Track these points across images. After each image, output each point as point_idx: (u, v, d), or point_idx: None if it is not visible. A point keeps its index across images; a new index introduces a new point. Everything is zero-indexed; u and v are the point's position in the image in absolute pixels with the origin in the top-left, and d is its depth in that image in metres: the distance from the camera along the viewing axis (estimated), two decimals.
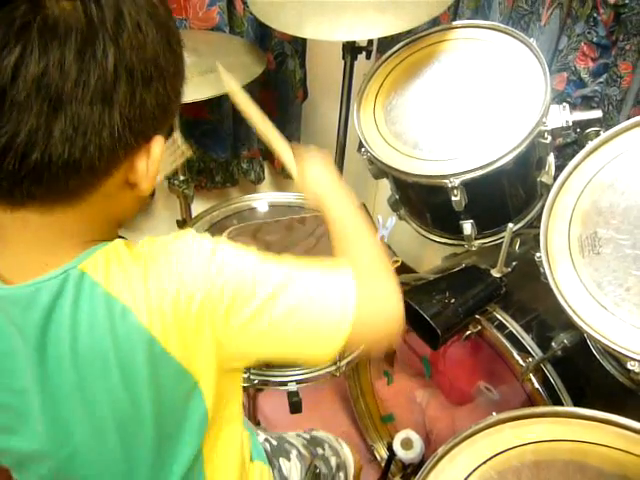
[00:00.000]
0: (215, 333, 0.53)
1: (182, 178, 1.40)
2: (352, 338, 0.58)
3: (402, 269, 2.23)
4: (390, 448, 1.29)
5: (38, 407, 0.53)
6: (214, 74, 1.21)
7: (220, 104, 1.48)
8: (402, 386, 1.47)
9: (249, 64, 1.27)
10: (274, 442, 0.93)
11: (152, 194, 1.60)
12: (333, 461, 1.00)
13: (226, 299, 0.53)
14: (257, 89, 1.56)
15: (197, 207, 1.46)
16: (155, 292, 0.50)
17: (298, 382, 1.11)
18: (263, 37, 1.48)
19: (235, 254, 0.56)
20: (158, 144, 0.51)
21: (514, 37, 1.09)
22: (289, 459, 0.92)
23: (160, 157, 0.51)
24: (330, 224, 0.75)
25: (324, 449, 1.00)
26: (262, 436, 0.93)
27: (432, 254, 1.87)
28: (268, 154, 1.74)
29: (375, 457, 1.54)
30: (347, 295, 0.58)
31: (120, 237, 0.59)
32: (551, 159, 1.16)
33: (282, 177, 1.77)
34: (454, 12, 1.45)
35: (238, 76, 1.24)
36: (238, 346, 0.56)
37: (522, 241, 1.28)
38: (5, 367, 0.53)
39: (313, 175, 0.79)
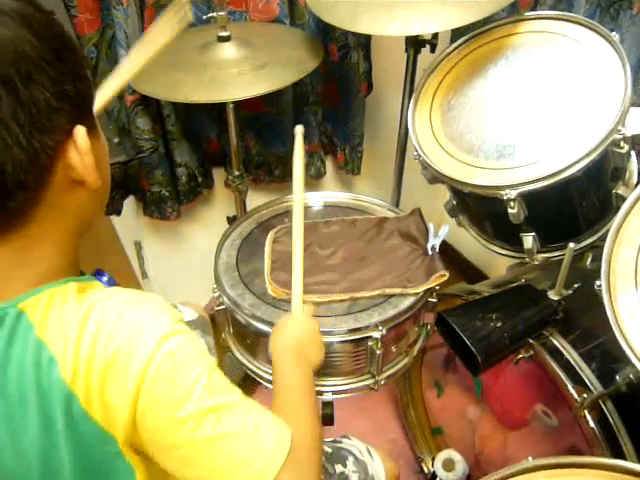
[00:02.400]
0: (134, 419, 0.50)
1: (237, 173, 1.39)
2: None
3: (471, 271, 2.13)
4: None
5: None
6: (267, 69, 1.18)
7: (279, 97, 1.45)
8: (453, 400, 1.39)
9: (305, 58, 1.22)
10: None
11: (210, 185, 1.60)
12: (355, 478, 0.95)
13: (155, 392, 0.50)
14: (320, 81, 1.52)
15: (255, 201, 1.45)
16: (88, 348, 0.48)
17: (334, 392, 1.06)
18: (326, 28, 1.43)
19: (188, 352, 0.53)
20: (80, 134, 0.49)
21: (591, 29, 0.97)
22: None
23: (89, 147, 0.49)
24: (274, 385, 0.74)
25: (346, 465, 0.95)
26: None
27: (502, 257, 1.76)
28: (331, 148, 1.70)
29: (422, 469, 1.48)
30: (278, 452, 0.55)
31: (84, 274, 0.57)
32: (634, 168, 1.03)
33: (344, 172, 1.71)
34: None
35: (291, 70, 1.21)
36: (153, 444, 0.52)
37: (595, 256, 1.15)
38: None
39: (279, 337, 0.82)
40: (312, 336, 0.82)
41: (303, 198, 1.02)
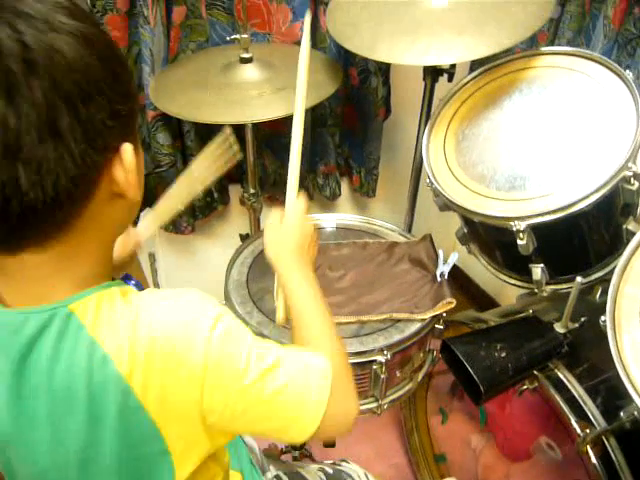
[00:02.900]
0: (201, 403, 0.53)
1: (252, 191, 1.41)
2: (323, 424, 0.59)
3: (482, 298, 2.12)
4: None
5: (7, 426, 0.54)
6: (287, 91, 1.20)
7: None
8: (457, 427, 1.38)
9: (324, 82, 1.25)
10: (285, 479, 0.90)
11: (225, 201, 1.63)
12: None
13: (219, 371, 0.53)
14: (339, 103, 1.54)
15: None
16: (145, 345, 0.50)
17: None
18: (347, 52, 1.45)
19: (236, 329, 0.56)
20: (128, 152, 0.51)
21: (605, 66, 0.98)
22: None
23: (134, 165, 0.51)
24: (288, 300, 0.77)
25: None
26: (272, 472, 0.90)
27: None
28: (346, 170, 1.72)
29: None
30: (324, 384, 0.61)
31: (114, 279, 0.60)
32: None
33: (359, 195, 1.73)
34: (554, 33, 1.34)
35: (311, 94, 1.24)
36: (221, 420, 0.55)
37: (604, 290, 1.15)
38: None
39: (279, 245, 0.80)
40: (310, 236, 0.83)
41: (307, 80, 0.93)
